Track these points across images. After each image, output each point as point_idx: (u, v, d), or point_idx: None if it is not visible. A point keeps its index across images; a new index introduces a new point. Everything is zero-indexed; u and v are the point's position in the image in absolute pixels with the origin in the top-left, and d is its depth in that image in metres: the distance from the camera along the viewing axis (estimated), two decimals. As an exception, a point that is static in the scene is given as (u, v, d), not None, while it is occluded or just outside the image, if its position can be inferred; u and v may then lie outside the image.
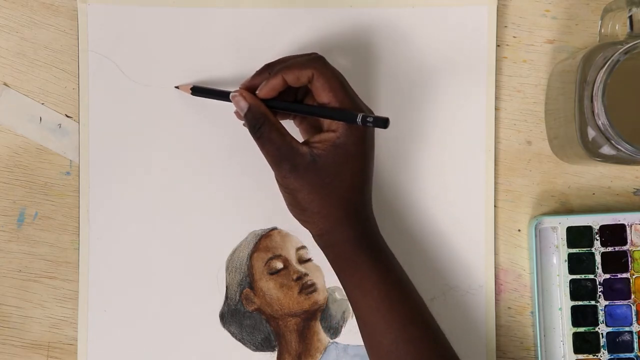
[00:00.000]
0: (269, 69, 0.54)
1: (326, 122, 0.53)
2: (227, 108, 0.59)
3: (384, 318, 0.52)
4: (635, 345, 0.58)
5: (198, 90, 0.58)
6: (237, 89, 0.55)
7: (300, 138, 0.55)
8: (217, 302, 0.60)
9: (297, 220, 0.54)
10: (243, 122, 0.55)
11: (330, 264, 0.54)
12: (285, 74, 0.52)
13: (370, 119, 0.50)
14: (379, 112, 0.59)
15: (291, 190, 0.52)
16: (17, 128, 0.60)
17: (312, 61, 0.52)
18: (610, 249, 0.59)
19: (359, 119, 0.50)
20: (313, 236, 0.54)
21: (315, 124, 0.55)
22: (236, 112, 0.56)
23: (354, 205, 0.53)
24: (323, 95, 0.52)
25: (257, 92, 0.53)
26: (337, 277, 0.54)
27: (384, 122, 0.50)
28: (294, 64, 0.52)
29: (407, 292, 0.53)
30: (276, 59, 0.55)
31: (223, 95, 0.56)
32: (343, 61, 0.60)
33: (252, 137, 0.53)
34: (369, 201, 0.54)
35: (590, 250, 0.59)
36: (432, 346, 0.52)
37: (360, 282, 0.53)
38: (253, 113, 0.53)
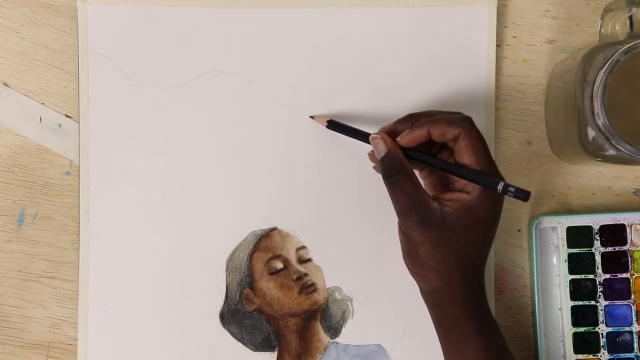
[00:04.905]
0: (412, 119, 0.54)
1: (460, 182, 0.52)
2: (226, 110, 0.59)
3: None
4: (635, 345, 0.58)
5: (334, 125, 0.58)
6: (377, 131, 0.54)
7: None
8: (217, 302, 0.60)
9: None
10: (374, 164, 0.56)
11: (434, 322, 0.54)
12: (432, 127, 0.52)
13: (512, 189, 0.50)
14: (376, 111, 0.59)
15: (414, 242, 0.51)
16: (17, 128, 0.60)
17: (461, 121, 0.52)
18: (610, 249, 0.59)
19: (500, 187, 0.50)
20: (422, 291, 0.54)
21: (443, 180, 0.55)
22: (370, 154, 0.56)
23: (471, 268, 0.52)
24: (466, 156, 0.51)
25: (397, 139, 0.53)
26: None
27: (525, 195, 0.49)
28: (442, 120, 0.52)
29: (505, 358, 0.53)
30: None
31: (360, 135, 0.55)
32: (343, 61, 0.60)
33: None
34: (484, 265, 0.54)
35: (590, 250, 0.59)
36: None
37: (464, 347, 0.52)
38: (390, 159, 0.52)
